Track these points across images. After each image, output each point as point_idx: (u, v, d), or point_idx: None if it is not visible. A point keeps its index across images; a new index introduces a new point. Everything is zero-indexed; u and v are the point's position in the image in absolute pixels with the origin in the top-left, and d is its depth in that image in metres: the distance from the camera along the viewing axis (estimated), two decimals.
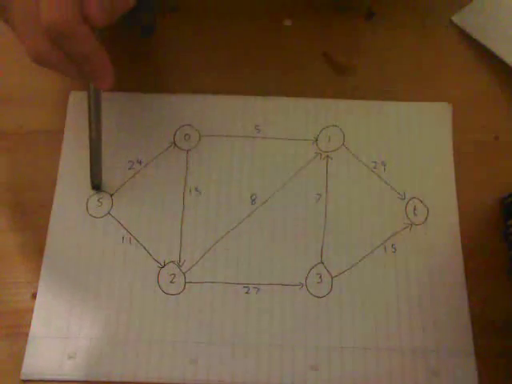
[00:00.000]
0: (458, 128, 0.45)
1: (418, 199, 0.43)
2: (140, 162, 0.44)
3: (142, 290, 0.40)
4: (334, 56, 0.47)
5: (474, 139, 0.45)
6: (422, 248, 0.41)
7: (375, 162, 0.44)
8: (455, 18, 0.48)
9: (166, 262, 0.41)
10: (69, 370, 0.38)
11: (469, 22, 0.48)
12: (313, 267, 0.41)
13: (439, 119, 0.45)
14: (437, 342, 0.39)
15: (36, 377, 0.38)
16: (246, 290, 0.40)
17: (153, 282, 0.40)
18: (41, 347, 0.39)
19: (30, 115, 0.45)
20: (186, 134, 0.45)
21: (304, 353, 0.39)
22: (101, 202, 0.42)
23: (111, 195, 0.43)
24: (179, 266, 0.41)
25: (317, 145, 0.44)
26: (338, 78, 0.47)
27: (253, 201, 0.43)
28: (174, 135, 0.45)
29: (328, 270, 0.41)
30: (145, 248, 0.41)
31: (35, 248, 0.41)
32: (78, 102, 0.45)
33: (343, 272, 0.41)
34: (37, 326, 0.39)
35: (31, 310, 0.40)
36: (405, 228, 0.42)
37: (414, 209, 0.43)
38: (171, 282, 0.40)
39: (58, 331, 0.39)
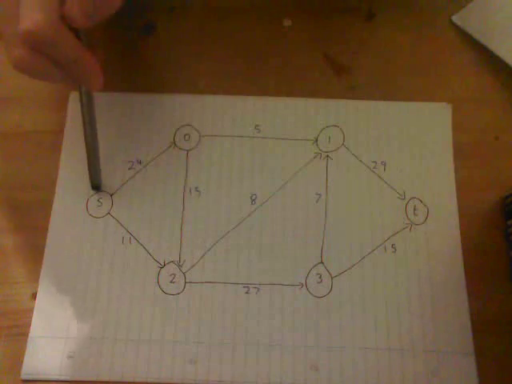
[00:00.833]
0: (458, 128, 0.45)
1: (418, 199, 0.43)
2: (140, 162, 0.44)
3: (142, 290, 0.40)
4: (334, 56, 0.47)
5: (474, 139, 0.45)
6: (422, 248, 0.41)
7: (375, 162, 0.44)
8: (455, 18, 0.48)
9: (166, 262, 0.41)
10: (69, 370, 0.38)
11: (469, 22, 0.48)
12: (313, 267, 0.41)
13: (439, 119, 0.45)
14: (437, 341, 0.39)
15: (36, 377, 0.38)
16: (246, 289, 0.40)
17: (153, 281, 0.40)
18: (41, 347, 0.39)
19: (29, 115, 0.45)
20: (185, 134, 0.45)
21: (304, 353, 0.39)
22: (101, 202, 0.42)
23: (111, 195, 0.43)
24: (179, 266, 0.41)
25: (317, 145, 0.44)
26: (338, 78, 0.47)
27: (253, 201, 0.43)
28: (174, 135, 0.44)
29: (328, 270, 0.41)
30: (145, 248, 0.41)
31: (35, 248, 0.41)
32: (78, 103, 0.45)
33: (343, 272, 0.41)
34: (37, 326, 0.39)
35: (31, 310, 0.40)
36: (405, 228, 0.42)
37: (414, 209, 0.43)
38: (171, 281, 0.40)
39: (58, 331, 0.39)
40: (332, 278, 0.41)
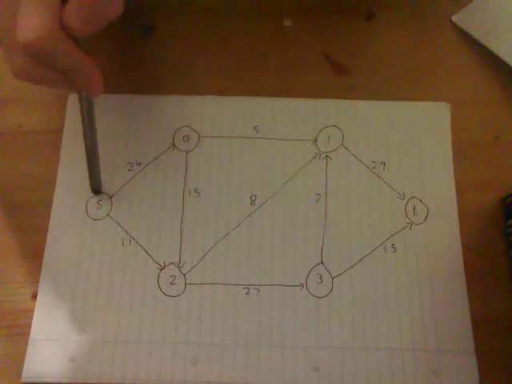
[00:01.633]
0: (457, 128, 0.45)
1: (418, 199, 0.43)
2: (139, 164, 0.44)
3: (143, 292, 0.40)
4: (334, 56, 0.47)
5: (474, 139, 0.45)
6: (422, 248, 0.41)
7: (374, 162, 0.44)
8: (455, 18, 0.48)
9: (166, 264, 0.41)
10: (69, 373, 0.38)
11: (469, 22, 0.48)
12: (313, 268, 0.41)
13: (438, 119, 0.45)
14: (437, 341, 0.39)
15: (37, 380, 0.38)
16: (246, 290, 0.40)
17: (153, 283, 0.40)
18: (41, 349, 0.39)
19: (29, 115, 0.45)
20: (185, 136, 0.44)
21: (305, 353, 0.39)
22: (100, 204, 0.42)
23: (111, 197, 0.43)
24: (179, 268, 0.41)
25: (316, 145, 0.44)
26: (338, 78, 0.47)
27: (252, 201, 0.43)
28: (173, 136, 0.44)
29: (328, 271, 0.41)
30: (145, 250, 0.41)
31: (35, 248, 0.41)
32: (76, 105, 0.45)
33: (343, 272, 0.41)
34: (37, 329, 0.39)
35: (31, 310, 0.40)
36: (404, 228, 0.42)
37: (414, 208, 0.43)
38: (171, 283, 0.40)
39: (59, 334, 0.39)
40: (332, 279, 0.41)
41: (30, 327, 0.39)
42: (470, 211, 0.43)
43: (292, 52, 0.47)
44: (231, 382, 0.38)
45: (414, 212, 0.42)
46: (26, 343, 0.39)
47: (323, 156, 0.44)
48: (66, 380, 0.38)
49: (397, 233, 0.42)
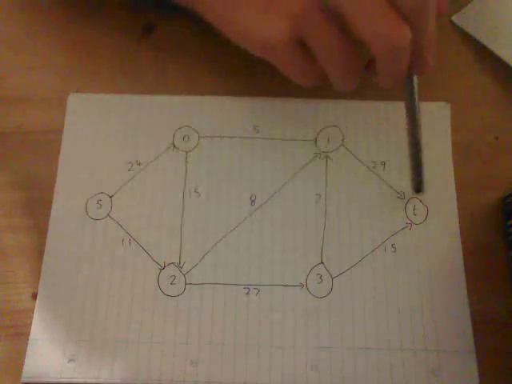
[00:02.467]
0: (457, 128, 0.45)
1: (418, 199, 0.43)
2: (139, 164, 0.44)
3: (143, 292, 0.40)
4: None
5: (474, 139, 0.45)
6: (422, 248, 0.41)
7: (374, 162, 0.44)
8: (455, 18, 0.48)
9: (166, 264, 0.41)
10: (69, 373, 0.38)
11: (469, 22, 0.48)
12: (313, 268, 0.41)
13: (438, 119, 0.45)
14: (437, 341, 0.39)
15: (37, 380, 0.38)
16: (246, 291, 0.40)
17: (153, 283, 0.40)
18: (41, 350, 0.39)
19: (29, 115, 0.45)
20: (185, 136, 0.44)
21: (305, 353, 0.39)
22: (100, 204, 0.42)
23: (110, 197, 0.43)
24: (179, 268, 0.41)
25: (316, 145, 0.44)
26: None
27: (252, 201, 0.43)
28: (173, 136, 0.44)
29: (328, 271, 0.41)
30: (145, 250, 0.41)
31: (35, 248, 0.41)
32: (76, 105, 0.45)
33: (343, 272, 0.41)
34: (37, 329, 0.39)
35: (31, 310, 0.40)
36: (404, 227, 0.42)
37: (414, 208, 0.42)
38: (171, 283, 0.40)
39: (58, 334, 0.39)
40: (332, 279, 0.41)
41: (29, 327, 0.39)
42: (470, 211, 0.43)
43: None
44: (231, 381, 0.38)
45: (413, 212, 0.42)
46: (26, 343, 0.39)
47: (323, 156, 0.44)
48: (66, 380, 0.38)
49: (397, 233, 0.42)
